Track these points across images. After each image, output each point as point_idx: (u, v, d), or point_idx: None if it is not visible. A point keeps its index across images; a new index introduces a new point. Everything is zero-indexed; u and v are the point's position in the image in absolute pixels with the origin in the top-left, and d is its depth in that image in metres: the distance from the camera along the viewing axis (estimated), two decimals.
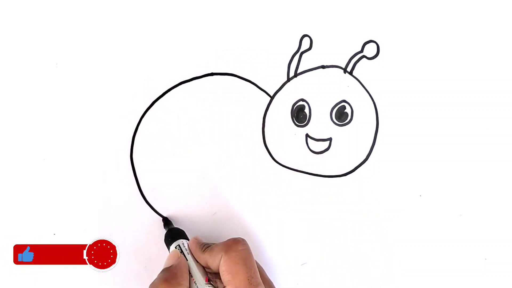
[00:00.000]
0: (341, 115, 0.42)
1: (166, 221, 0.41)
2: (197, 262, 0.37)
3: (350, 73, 0.42)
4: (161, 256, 0.42)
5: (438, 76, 0.42)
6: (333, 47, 0.41)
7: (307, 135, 0.42)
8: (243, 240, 0.36)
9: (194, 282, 0.35)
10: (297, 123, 0.42)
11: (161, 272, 0.36)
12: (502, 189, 0.42)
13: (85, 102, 0.41)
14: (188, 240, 0.39)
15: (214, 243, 0.37)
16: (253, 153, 0.42)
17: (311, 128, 0.42)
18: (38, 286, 0.41)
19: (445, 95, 0.42)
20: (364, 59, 0.41)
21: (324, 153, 0.42)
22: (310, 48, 0.41)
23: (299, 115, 0.42)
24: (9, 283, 0.41)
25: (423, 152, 0.42)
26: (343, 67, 0.41)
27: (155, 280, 0.35)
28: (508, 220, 0.43)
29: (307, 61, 0.41)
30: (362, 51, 0.41)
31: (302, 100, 0.42)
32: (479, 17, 0.41)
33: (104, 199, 0.41)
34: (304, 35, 0.41)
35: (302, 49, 0.41)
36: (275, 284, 0.39)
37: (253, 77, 0.41)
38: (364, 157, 0.42)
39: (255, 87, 0.42)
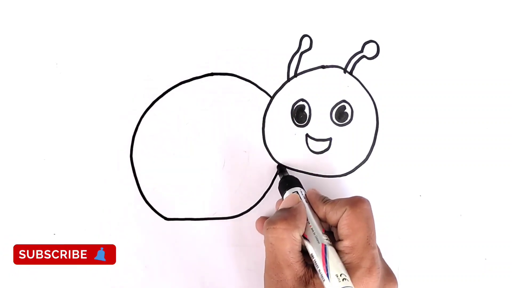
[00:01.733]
0: (341, 115, 0.42)
1: (281, 168, 0.41)
2: (314, 212, 0.36)
3: (350, 73, 0.42)
4: (161, 256, 0.42)
5: (438, 76, 0.42)
6: (333, 47, 0.41)
7: (307, 135, 0.42)
8: (368, 200, 0.35)
9: (311, 229, 0.34)
10: (297, 123, 0.42)
11: (279, 211, 0.35)
12: (502, 189, 0.42)
13: (85, 102, 0.41)
14: (302, 188, 0.38)
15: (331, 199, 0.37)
16: (253, 153, 0.42)
17: (311, 128, 0.42)
18: (38, 286, 0.41)
19: (445, 95, 0.42)
20: (364, 59, 0.41)
21: (324, 153, 0.42)
22: (310, 48, 0.41)
23: (299, 115, 0.42)
24: (9, 283, 0.41)
25: (423, 152, 0.42)
26: (343, 67, 0.42)
27: (272, 217, 0.34)
28: (508, 220, 0.43)
29: (307, 61, 0.41)
30: (362, 51, 0.41)
31: (302, 100, 0.42)
32: (479, 17, 0.41)
33: (104, 199, 0.41)
34: (304, 35, 0.41)
35: (302, 49, 0.41)
36: None
37: (253, 77, 0.41)
38: (364, 157, 0.42)
39: (255, 87, 0.42)
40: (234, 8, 0.41)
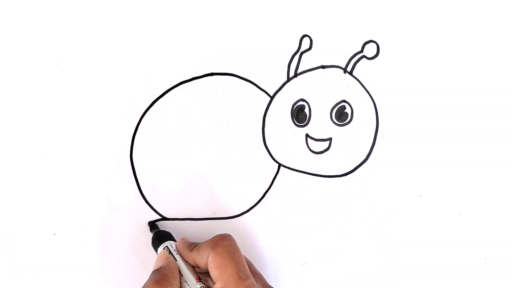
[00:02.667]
0: (341, 115, 0.42)
1: (152, 225, 0.41)
2: (186, 262, 0.37)
3: (350, 73, 0.42)
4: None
5: (438, 76, 0.42)
6: (333, 47, 0.41)
7: (307, 135, 0.42)
8: (229, 235, 0.36)
9: (185, 281, 0.36)
10: (297, 123, 0.42)
11: (151, 274, 0.36)
12: (502, 189, 0.42)
13: (85, 102, 0.41)
14: (176, 241, 0.39)
15: (200, 242, 0.38)
16: (253, 153, 0.42)
17: (311, 128, 0.42)
18: (39, 285, 0.41)
19: (445, 95, 0.42)
20: (364, 59, 0.41)
21: (324, 153, 0.42)
22: (310, 48, 0.41)
23: (299, 115, 0.42)
24: (9, 284, 0.41)
25: (423, 152, 0.42)
26: (343, 67, 0.41)
27: (146, 282, 0.35)
28: (508, 220, 0.43)
29: (307, 61, 0.41)
30: (362, 51, 0.41)
31: (302, 100, 0.42)
32: (479, 17, 0.41)
33: (104, 199, 0.41)
34: (304, 35, 0.41)
35: (302, 49, 0.41)
36: (275, 284, 0.39)
37: (253, 77, 0.41)
38: (364, 157, 0.42)
39: (255, 87, 0.42)
40: (234, 8, 0.41)
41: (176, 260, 0.37)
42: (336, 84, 0.42)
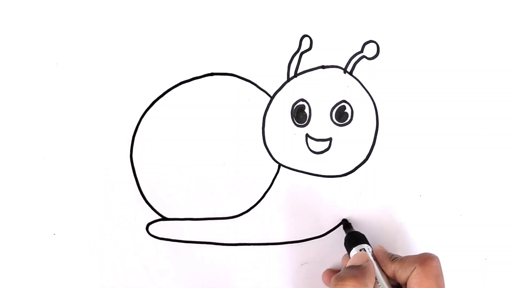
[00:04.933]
0: (341, 115, 0.42)
1: (346, 224, 0.41)
2: (382, 270, 0.37)
3: (350, 73, 0.42)
4: (161, 256, 0.42)
5: (438, 76, 0.42)
6: (333, 47, 0.41)
7: (307, 135, 0.42)
8: (437, 257, 0.36)
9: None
10: (297, 123, 0.42)
11: (348, 267, 0.35)
12: (502, 189, 0.42)
13: (85, 102, 0.41)
14: (370, 246, 0.39)
15: (400, 255, 0.37)
16: (253, 153, 0.42)
17: (311, 128, 0.42)
18: (39, 285, 0.42)
19: (445, 95, 0.42)
20: (364, 59, 0.41)
21: (324, 153, 0.42)
22: (310, 48, 0.41)
23: (299, 115, 0.42)
24: (9, 284, 0.41)
25: (423, 152, 0.42)
26: (343, 67, 0.41)
27: (342, 273, 0.34)
28: (508, 220, 0.43)
29: (307, 61, 0.41)
30: (362, 51, 0.41)
31: (302, 100, 0.42)
32: (479, 17, 0.41)
33: (104, 199, 0.41)
34: (304, 35, 0.41)
35: (302, 49, 0.41)
36: (275, 285, 0.39)
37: (253, 77, 0.41)
38: (364, 157, 0.42)
39: (255, 87, 0.42)
40: (234, 8, 0.41)
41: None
42: (336, 84, 0.42)
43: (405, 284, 0.35)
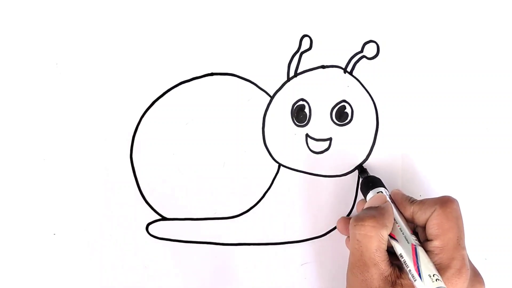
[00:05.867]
0: (341, 115, 0.42)
1: (362, 169, 0.41)
2: (401, 213, 0.36)
3: (350, 73, 0.42)
4: (161, 256, 0.42)
5: (438, 76, 0.42)
6: (333, 47, 0.41)
7: (307, 135, 0.42)
8: (457, 200, 0.35)
9: (399, 229, 0.34)
10: (297, 123, 0.42)
11: (366, 208, 0.35)
12: (502, 189, 0.42)
13: (85, 102, 0.41)
14: (386, 189, 0.38)
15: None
16: (253, 153, 0.42)
17: (311, 128, 0.42)
18: (39, 285, 0.41)
19: (445, 95, 0.42)
20: (364, 59, 0.41)
21: (324, 153, 0.42)
22: (310, 48, 0.41)
23: (299, 115, 0.42)
24: (9, 284, 0.41)
25: (423, 152, 0.42)
26: (343, 67, 0.41)
27: (360, 213, 0.34)
28: (508, 220, 0.43)
29: (307, 61, 0.41)
30: (362, 51, 0.41)
31: (302, 100, 0.42)
32: (479, 17, 0.41)
33: (104, 199, 0.41)
34: (304, 35, 0.41)
35: (302, 49, 0.41)
36: (275, 284, 0.39)
37: (253, 77, 0.41)
38: (364, 157, 0.42)
39: (255, 87, 0.42)
40: (234, 8, 0.41)
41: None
42: (336, 84, 0.42)
43: (424, 226, 0.35)
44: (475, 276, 0.34)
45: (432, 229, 0.34)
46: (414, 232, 0.36)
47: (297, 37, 0.41)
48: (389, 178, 0.42)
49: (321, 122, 0.42)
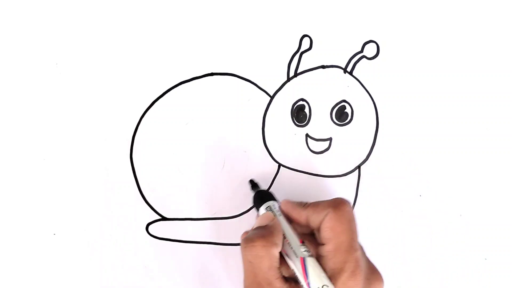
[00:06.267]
0: (341, 115, 0.42)
1: (253, 183, 0.41)
2: (290, 224, 0.36)
3: (350, 73, 0.42)
4: (161, 256, 0.42)
5: (438, 76, 0.42)
6: (333, 47, 0.41)
7: (307, 135, 0.42)
8: (349, 202, 0.35)
9: (288, 244, 0.34)
10: (297, 123, 0.42)
11: (256, 228, 0.35)
12: (502, 189, 0.42)
13: (85, 102, 0.41)
14: (277, 201, 0.38)
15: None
16: (253, 153, 0.42)
17: (311, 128, 0.42)
18: (39, 285, 0.41)
19: (445, 95, 0.42)
20: (364, 59, 0.41)
21: (324, 153, 0.42)
22: (310, 48, 0.41)
23: (299, 115, 0.42)
24: (9, 284, 0.41)
25: (423, 152, 0.42)
26: (343, 67, 0.42)
27: (250, 234, 0.34)
28: (508, 220, 0.43)
29: (307, 61, 0.41)
30: (362, 51, 0.41)
31: (302, 100, 0.42)
32: (479, 17, 0.41)
33: (104, 199, 0.41)
34: (304, 35, 0.41)
35: (302, 49, 0.41)
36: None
37: (253, 77, 0.41)
38: (364, 157, 0.42)
39: (255, 87, 0.42)
40: (234, 8, 0.41)
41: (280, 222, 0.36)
42: (336, 84, 0.42)
43: (318, 229, 0.35)
44: (373, 273, 0.34)
45: (325, 232, 0.34)
46: (311, 235, 0.36)
47: (297, 37, 0.41)
48: (389, 178, 0.42)
49: (321, 122, 0.42)
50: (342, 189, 0.42)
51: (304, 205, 0.36)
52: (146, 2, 0.41)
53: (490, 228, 0.42)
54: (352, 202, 0.42)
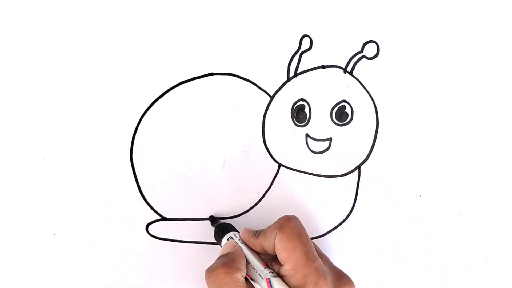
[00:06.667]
0: (341, 115, 0.42)
1: (213, 219, 0.41)
2: (252, 250, 0.36)
3: (350, 73, 0.42)
4: (161, 256, 0.42)
5: (438, 76, 0.42)
6: (333, 47, 0.41)
7: (307, 135, 0.42)
8: (294, 216, 0.35)
9: (253, 268, 0.35)
10: (297, 123, 0.42)
11: (218, 258, 0.35)
12: (502, 189, 0.42)
13: (85, 102, 0.41)
14: (238, 232, 0.39)
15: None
16: (253, 153, 0.42)
17: (311, 128, 0.42)
18: (39, 285, 0.41)
19: (445, 95, 0.42)
20: (364, 59, 0.41)
21: (324, 153, 0.42)
22: (310, 48, 0.41)
23: (299, 115, 0.42)
24: (9, 284, 0.41)
25: (423, 152, 0.42)
26: (343, 67, 0.42)
27: (213, 264, 0.34)
28: (508, 220, 0.43)
29: (307, 61, 0.41)
30: (362, 51, 0.41)
31: (302, 100, 0.42)
32: (480, 17, 0.41)
33: (104, 199, 0.41)
34: (304, 35, 0.41)
35: (302, 49, 0.41)
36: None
37: (253, 77, 0.42)
38: (364, 157, 0.42)
39: (255, 87, 0.42)
40: (234, 8, 0.41)
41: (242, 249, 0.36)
42: (336, 84, 0.42)
43: (274, 253, 0.35)
44: (340, 279, 0.35)
45: (280, 254, 0.34)
46: (274, 259, 0.36)
47: (297, 37, 0.41)
48: (389, 178, 0.42)
49: (321, 122, 0.42)
50: (342, 189, 0.42)
51: (256, 235, 0.36)
52: (146, 2, 0.41)
53: (490, 228, 0.42)
54: (352, 202, 0.42)
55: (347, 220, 0.43)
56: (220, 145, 0.42)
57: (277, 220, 0.35)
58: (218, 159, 0.42)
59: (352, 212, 0.42)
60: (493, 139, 0.42)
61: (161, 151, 0.42)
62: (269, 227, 0.36)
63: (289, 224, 0.34)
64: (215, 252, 0.42)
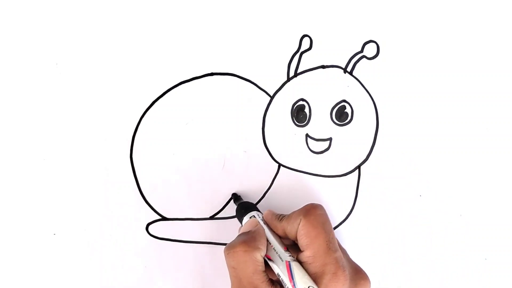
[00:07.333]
0: (341, 115, 0.42)
1: (236, 197, 0.41)
2: (274, 232, 0.36)
3: (350, 73, 0.42)
4: (161, 256, 0.42)
5: (438, 76, 0.42)
6: (333, 47, 0.41)
7: (307, 135, 0.42)
8: (320, 205, 0.35)
9: (273, 249, 0.35)
10: (297, 123, 0.42)
11: (239, 235, 0.35)
12: (502, 189, 0.42)
13: (85, 102, 0.41)
14: (261, 212, 0.39)
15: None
16: (253, 153, 0.42)
17: (311, 128, 0.42)
18: (39, 285, 0.42)
19: (445, 95, 0.42)
20: (364, 59, 0.41)
21: (324, 153, 0.42)
22: (310, 48, 0.41)
23: (299, 115, 0.42)
24: (9, 284, 0.41)
25: (423, 152, 0.42)
26: (343, 67, 0.42)
27: (233, 241, 0.34)
28: (508, 220, 0.43)
29: (307, 61, 0.41)
30: (362, 51, 0.41)
31: (302, 100, 0.42)
32: (480, 17, 0.41)
33: (104, 199, 0.41)
34: (304, 35, 0.41)
35: (302, 49, 0.41)
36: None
37: (253, 77, 0.42)
38: (364, 157, 0.42)
39: (255, 87, 0.42)
40: (234, 8, 0.41)
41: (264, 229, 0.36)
42: (336, 84, 0.42)
43: (296, 238, 0.35)
44: (357, 273, 0.34)
45: (302, 240, 0.34)
46: (294, 245, 0.36)
47: (297, 37, 0.41)
48: (389, 178, 0.42)
49: (321, 122, 0.42)
50: (342, 189, 0.42)
51: (279, 218, 0.36)
52: (146, 2, 0.41)
53: (490, 228, 0.42)
54: (352, 202, 0.42)
55: (347, 220, 0.43)
56: (220, 145, 0.42)
57: (303, 207, 0.35)
58: (218, 159, 0.42)
59: (352, 212, 0.42)
60: (493, 139, 0.42)
61: (161, 151, 0.42)
62: (293, 212, 0.36)
63: (315, 212, 0.34)
64: (215, 252, 0.42)
